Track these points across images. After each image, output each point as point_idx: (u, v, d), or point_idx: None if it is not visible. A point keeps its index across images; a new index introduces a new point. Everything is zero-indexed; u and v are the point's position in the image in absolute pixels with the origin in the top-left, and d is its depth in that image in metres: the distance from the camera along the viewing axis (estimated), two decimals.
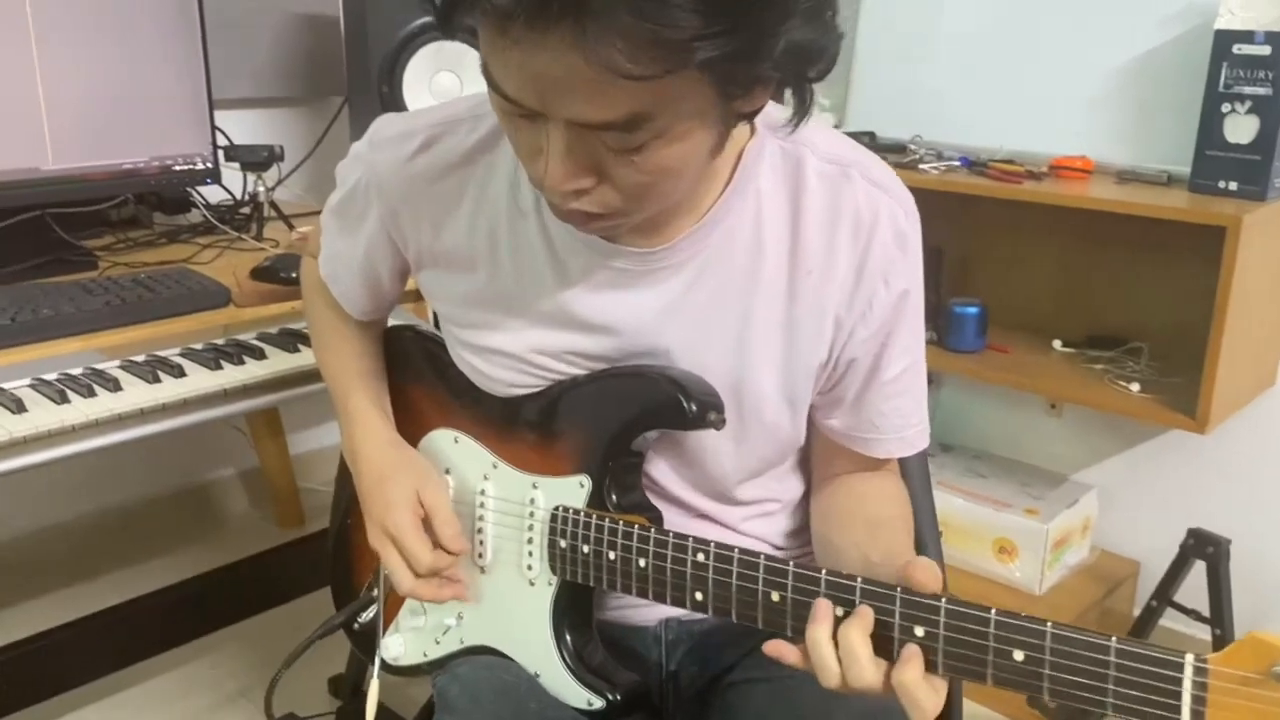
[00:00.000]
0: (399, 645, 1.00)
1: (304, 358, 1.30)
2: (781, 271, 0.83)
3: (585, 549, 0.85)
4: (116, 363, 1.24)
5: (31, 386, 1.17)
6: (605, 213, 0.72)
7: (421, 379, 0.99)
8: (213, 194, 1.86)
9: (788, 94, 0.71)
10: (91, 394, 1.15)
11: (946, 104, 2.00)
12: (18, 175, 1.53)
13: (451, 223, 0.88)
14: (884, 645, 0.71)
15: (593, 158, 0.69)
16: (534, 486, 0.89)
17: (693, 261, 0.83)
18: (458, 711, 0.88)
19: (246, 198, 1.83)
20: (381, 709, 1.78)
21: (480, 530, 0.93)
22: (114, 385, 1.17)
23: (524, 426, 0.90)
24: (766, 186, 0.82)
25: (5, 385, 1.16)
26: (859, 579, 0.72)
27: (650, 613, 0.95)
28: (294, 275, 1.48)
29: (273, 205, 1.83)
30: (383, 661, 1.01)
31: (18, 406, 1.10)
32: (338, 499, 1.12)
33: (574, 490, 0.87)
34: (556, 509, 0.87)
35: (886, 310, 0.85)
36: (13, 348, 1.23)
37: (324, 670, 1.90)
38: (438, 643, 0.97)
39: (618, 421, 0.85)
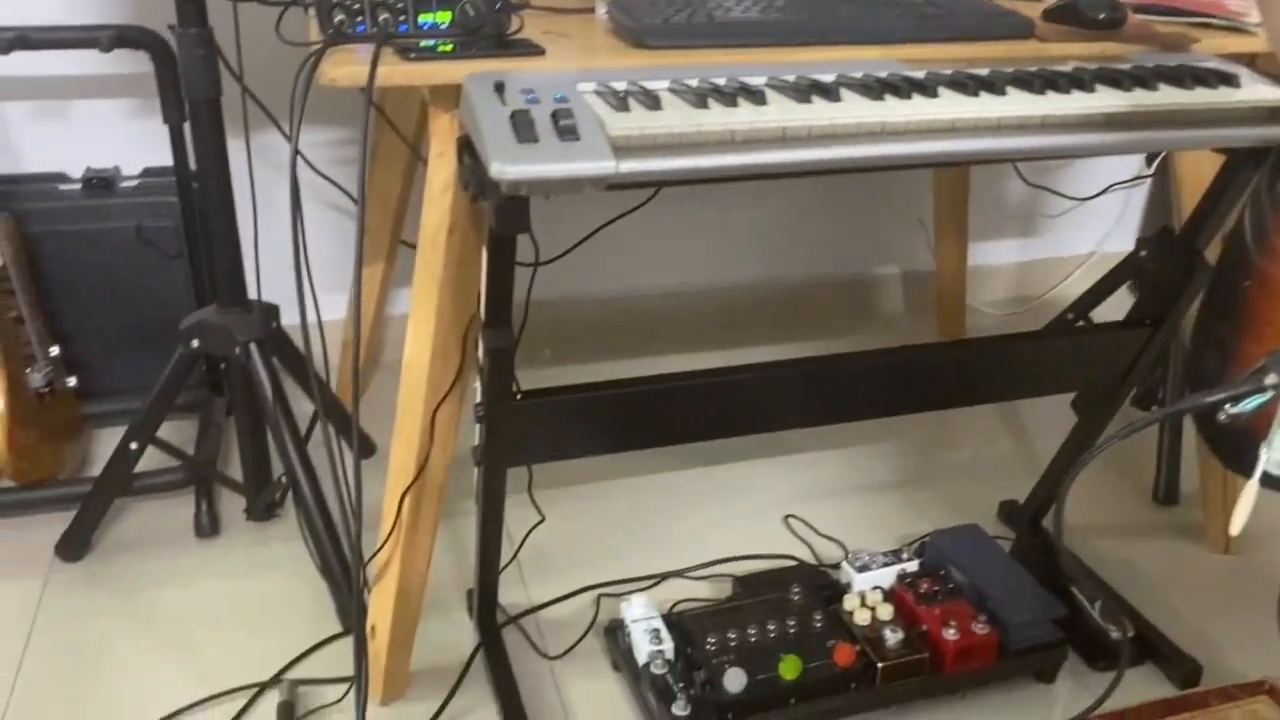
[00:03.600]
0: None
1: (1138, 97, 1.03)
2: None
3: None
4: (922, 73, 1.07)
5: (840, 83, 1.03)
6: None
7: None
8: None
9: None
10: (906, 97, 0.99)
11: None
12: None
13: None
14: None
15: None
16: None
17: None
18: None
19: None
20: None
21: None
22: (930, 92, 1.00)
23: None
24: None
25: (815, 76, 1.04)
26: None
27: None
28: (1102, 16, 1.23)
29: None
30: (1264, 472, 0.76)
31: (833, 96, 0.98)
32: (1226, 253, 0.86)
33: None
34: None
35: None
36: (812, 46, 1.13)
37: (995, 490, 1.73)
38: None
39: None
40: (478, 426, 1.16)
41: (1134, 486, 1.78)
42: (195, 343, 1.41)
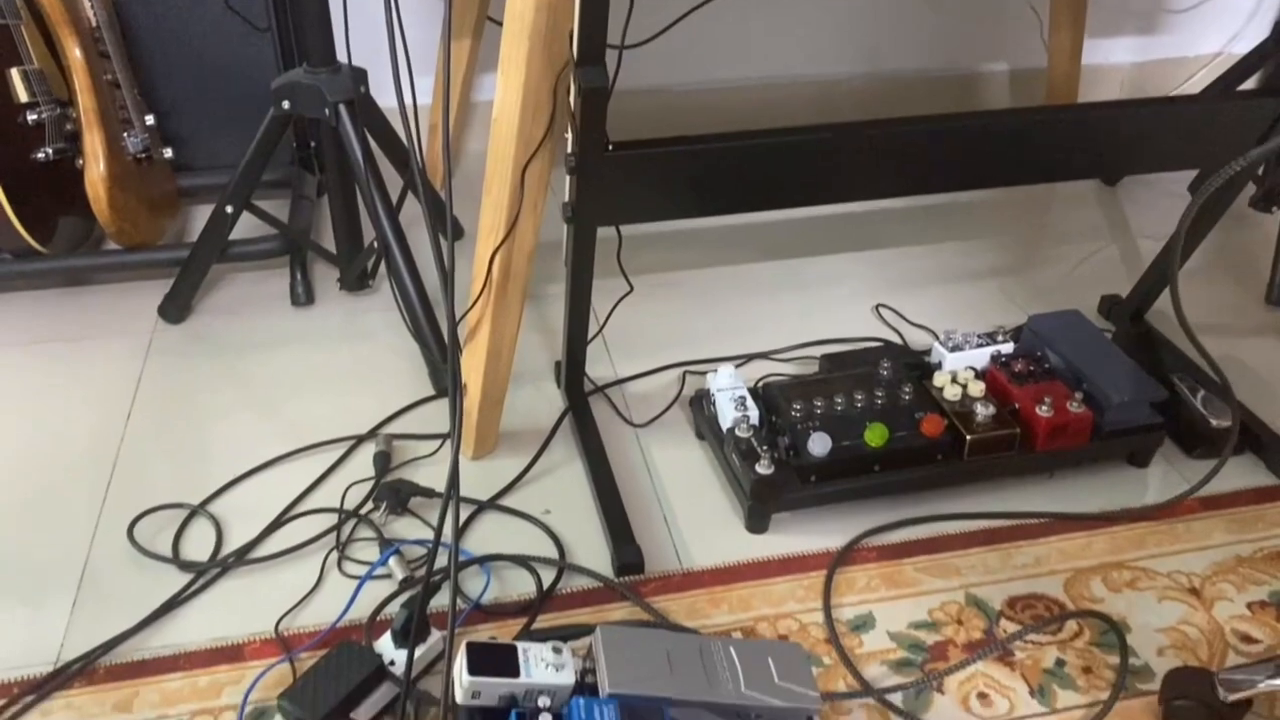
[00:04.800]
0: None
1: None
2: None
3: None
4: None
5: None
6: None
7: None
8: None
9: None
10: None
11: None
12: None
13: None
14: None
15: None
16: None
17: None
18: None
19: None
20: None
21: None
22: None
23: None
24: None
25: None
26: None
27: None
28: None
29: None
30: None
31: None
32: None
33: None
34: None
35: None
36: None
37: (1097, 285, 1.67)
38: None
39: None
40: (568, 179, 1.14)
41: (1246, 289, 1.70)
42: (286, 104, 1.40)
